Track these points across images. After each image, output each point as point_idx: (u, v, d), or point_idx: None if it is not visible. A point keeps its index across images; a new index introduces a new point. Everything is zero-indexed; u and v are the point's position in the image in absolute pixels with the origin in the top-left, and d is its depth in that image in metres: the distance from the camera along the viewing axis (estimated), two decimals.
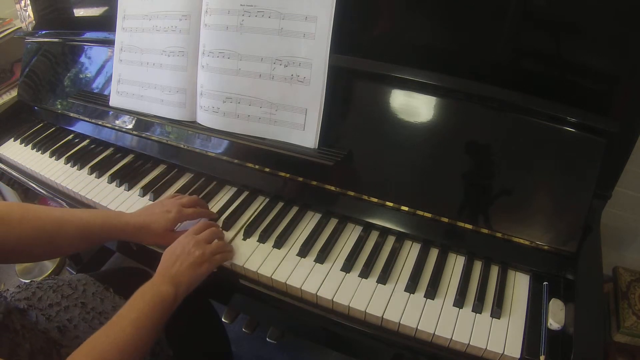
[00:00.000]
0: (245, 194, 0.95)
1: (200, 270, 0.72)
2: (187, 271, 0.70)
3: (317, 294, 0.73)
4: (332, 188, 0.86)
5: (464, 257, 0.80)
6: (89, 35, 1.15)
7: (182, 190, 0.96)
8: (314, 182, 0.87)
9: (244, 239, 0.84)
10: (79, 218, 0.73)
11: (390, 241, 0.83)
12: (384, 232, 0.84)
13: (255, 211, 0.90)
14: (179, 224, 0.82)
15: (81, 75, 1.18)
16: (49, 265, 1.80)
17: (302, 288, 0.74)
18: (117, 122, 1.09)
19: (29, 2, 1.25)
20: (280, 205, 0.91)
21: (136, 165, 1.07)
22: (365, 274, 0.76)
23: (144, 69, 0.99)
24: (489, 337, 0.67)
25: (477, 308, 0.71)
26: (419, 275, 0.76)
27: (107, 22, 1.06)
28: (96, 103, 1.08)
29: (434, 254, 0.81)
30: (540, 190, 0.75)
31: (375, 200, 0.83)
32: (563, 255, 0.74)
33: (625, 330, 1.11)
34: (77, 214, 0.74)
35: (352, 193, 0.85)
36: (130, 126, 1.07)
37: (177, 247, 0.74)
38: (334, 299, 0.72)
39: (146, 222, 0.78)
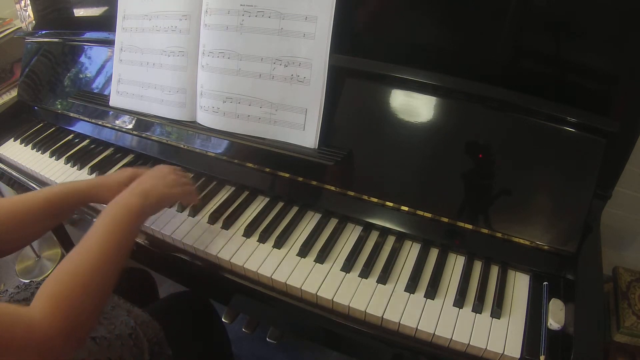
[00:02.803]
0: (245, 193, 0.95)
1: (172, 191, 0.74)
2: (159, 188, 0.71)
3: (317, 294, 0.73)
4: (332, 188, 0.86)
5: (464, 257, 0.80)
6: (89, 35, 1.15)
7: None
8: (314, 182, 0.87)
9: (244, 239, 0.84)
10: (37, 194, 0.73)
11: (390, 241, 0.83)
12: (384, 232, 0.84)
13: (255, 211, 0.90)
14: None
15: (81, 75, 1.18)
16: (49, 265, 1.80)
17: (302, 288, 0.74)
18: (117, 122, 1.09)
19: (29, 2, 1.25)
20: (280, 205, 0.91)
21: (136, 165, 1.07)
22: (365, 274, 0.76)
23: (144, 69, 0.99)
24: (489, 337, 0.67)
25: (477, 308, 0.71)
26: (419, 275, 0.76)
27: (107, 22, 1.06)
28: (96, 103, 1.08)
29: (434, 254, 0.80)
30: (540, 190, 0.75)
31: (375, 200, 0.83)
32: (563, 255, 0.74)
33: (625, 330, 1.11)
34: (36, 192, 0.74)
35: (352, 193, 0.85)
36: (130, 126, 1.07)
37: (154, 170, 0.77)
38: (334, 299, 0.72)
39: (101, 179, 0.80)
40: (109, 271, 0.56)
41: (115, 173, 0.83)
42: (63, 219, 0.78)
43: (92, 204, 0.92)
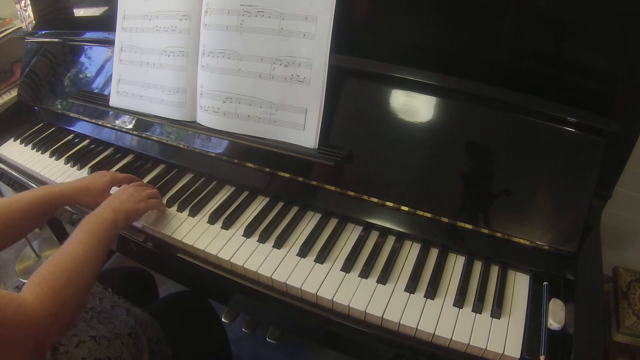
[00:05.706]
0: (245, 194, 0.95)
1: (138, 206, 0.82)
2: (127, 204, 0.80)
3: (317, 294, 0.73)
4: (332, 188, 0.86)
5: (464, 257, 0.80)
6: (89, 35, 1.15)
7: (181, 190, 0.96)
8: (314, 182, 0.87)
9: (244, 239, 0.84)
10: (22, 196, 0.79)
11: (390, 241, 0.83)
12: (384, 232, 0.84)
13: (255, 211, 0.90)
14: (113, 187, 0.90)
15: (81, 75, 1.18)
16: None
17: (302, 288, 0.74)
18: (117, 122, 1.09)
19: (29, 2, 1.25)
20: (280, 205, 0.91)
21: (136, 165, 1.07)
22: (365, 274, 0.76)
23: (144, 69, 0.99)
24: (489, 337, 0.67)
25: (477, 308, 0.71)
26: (419, 275, 0.76)
27: (107, 22, 1.06)
28: (96, 103, 1.08)
29: (434, 254, 0.80)
30: (540, 190, 0.75)
31: (375, 200, 0.83)
32: (563, 255, 0.74)
33: (625, 330, 1.11)
34: (20, 195, 0.79)
35: (352, 193, 0.84)
36: (130, 126, 1.07)
37: (120, 190, 0.85)
38: (334, 299, 0.72)
39: (84, 183, 0.87)
40: (86, 268, 0.64)
41: (97, 178, 0.89)
42: (47, 220, 0.87)
43: None
